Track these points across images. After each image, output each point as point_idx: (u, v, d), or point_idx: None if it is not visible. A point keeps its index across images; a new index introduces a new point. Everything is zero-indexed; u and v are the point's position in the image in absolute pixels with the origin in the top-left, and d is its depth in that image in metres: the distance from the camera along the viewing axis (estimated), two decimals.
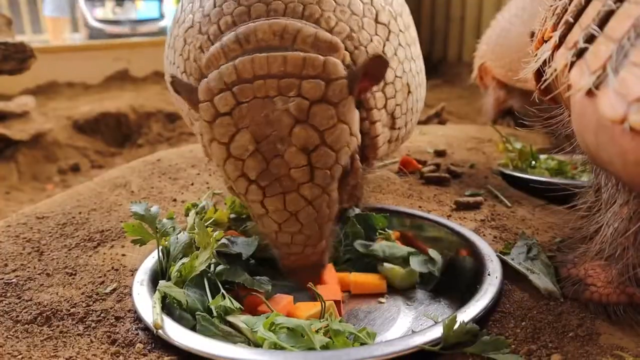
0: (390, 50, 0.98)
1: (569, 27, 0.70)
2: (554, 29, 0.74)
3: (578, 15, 0.68)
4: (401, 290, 1.00)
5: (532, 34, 0.88)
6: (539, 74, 0.89)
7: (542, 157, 1.64)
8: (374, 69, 0.84)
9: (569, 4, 0.72)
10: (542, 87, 0.80)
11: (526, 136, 1.96)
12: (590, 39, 0.63)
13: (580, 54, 0.65)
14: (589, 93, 0.61)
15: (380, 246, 1.05)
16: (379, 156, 1.04)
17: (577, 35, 0.66)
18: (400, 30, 1.02)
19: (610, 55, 0.57)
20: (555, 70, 0.74)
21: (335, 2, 0.90)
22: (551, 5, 0.82)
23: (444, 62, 5.49)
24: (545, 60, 0.77)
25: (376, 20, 0.96)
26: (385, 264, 1.02)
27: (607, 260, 0.82)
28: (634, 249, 0.74)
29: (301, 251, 0.83)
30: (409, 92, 1.06)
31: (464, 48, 5.30)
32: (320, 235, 0.83)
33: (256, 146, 0.78)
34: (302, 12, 0.86)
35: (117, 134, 4.06)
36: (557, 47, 0.73)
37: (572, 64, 0.67)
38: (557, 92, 0.75)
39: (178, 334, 0.77)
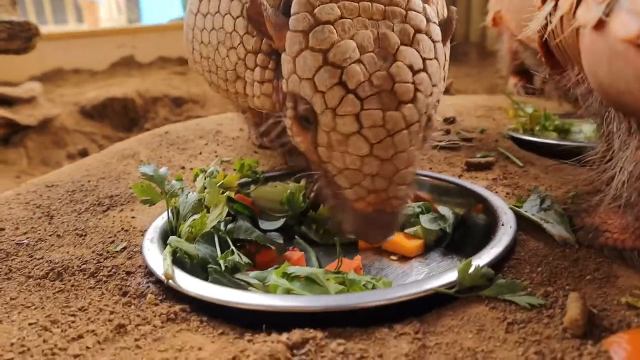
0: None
1: None
2: None
3: None
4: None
5: None
6: (544, 43, 0.88)
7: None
8: (452, 28, 0.86)
9: None
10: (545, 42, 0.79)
11: (537, 103, 1.93)
12: None
13: None
14: (598, 26, 0.60)
15: None
16: None
17: None
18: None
19: None
20: (561, 15, 0.72)
21: None
22: None
23: (451, 42, 5.43)
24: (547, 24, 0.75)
25: None
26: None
27: (623, 206, 0.81)
28: None
29: (385, 188, 0.73)
30: None
31: (470, 28, 5.23)
32: (405, 175, 0.75)
33: (360, 57, 0.73)
34: None
35: (124, 118, 4.06)
36: None
37: (578, 3, 0.66)
38: (563, 37, 0.73)
39: (189, 283, 0.77)
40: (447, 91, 2.98)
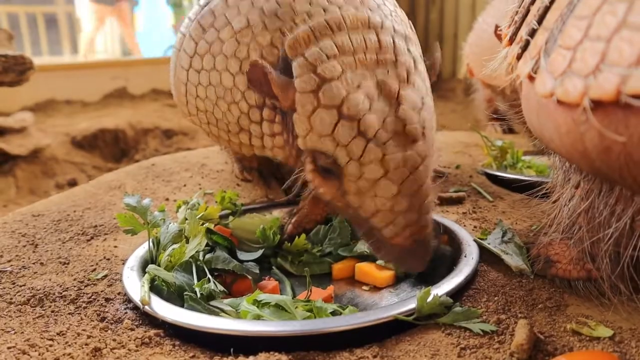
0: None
1: (519, 26, 0.77)
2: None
3: (525, 15, 0.75)
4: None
5: (496, 28, 0.94)
6: None
7: (527, 158, 1.69)
8: (437, 67, 0.95)
9: (519, 7, 0.79)
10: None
11: (513, 140, 2.01)
12: (533, 33, 0.70)
13: (525, 47, 0.71)
14: (530, 78, 0.68)
15: (362, 244, 1.08)
16: None
17: (523, 32, 0.73)
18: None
19: (543, 43, 0.64)
20: (510, 63, 0.80)
21: (388, 9, 0.98)
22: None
23: (438, 79, 5.57)
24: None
25: (411, 31, 1.07)
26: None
27: (567, 239, 0.86)
28: (586, 225, 0.78)
29: (416, 220, 0.80)
30: None
31: (457, 65, 5.40)
32: (429, 205, 0.82)
33: (370, 105, 0.79)
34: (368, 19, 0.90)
35: (114, 149, 4.11)
36: (510, 44, 0.80)
37: (520, 56, 0.74)
38: (509, 83, 0.81)
39: (164, 309, 0.81)
40: None
